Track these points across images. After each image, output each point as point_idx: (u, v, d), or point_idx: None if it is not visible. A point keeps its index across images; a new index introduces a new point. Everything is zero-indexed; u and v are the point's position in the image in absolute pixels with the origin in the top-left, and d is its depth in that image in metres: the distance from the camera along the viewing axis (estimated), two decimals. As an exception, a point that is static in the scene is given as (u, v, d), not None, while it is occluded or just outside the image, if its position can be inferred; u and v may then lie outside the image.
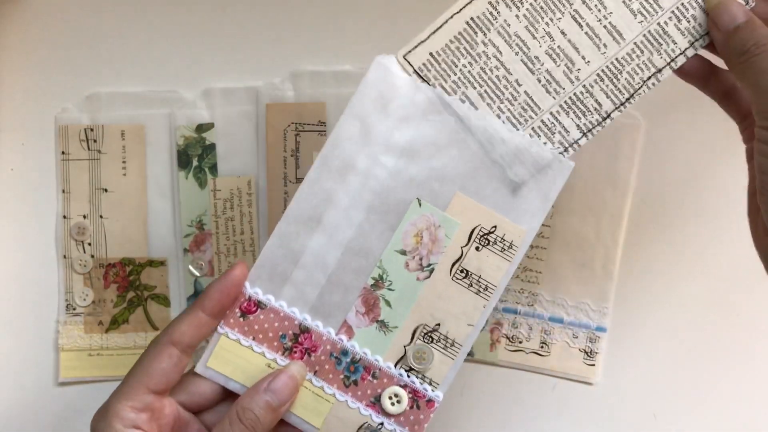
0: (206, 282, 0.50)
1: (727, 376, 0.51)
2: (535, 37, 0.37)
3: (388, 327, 0.38)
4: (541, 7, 0.37)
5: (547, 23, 0.37)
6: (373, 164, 0.37)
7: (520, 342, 0.51)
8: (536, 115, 0.37)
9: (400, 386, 0.37)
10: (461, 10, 0.37)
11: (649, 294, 0.50)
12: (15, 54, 0.51)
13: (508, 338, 0.51)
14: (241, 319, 0.38)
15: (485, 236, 0.37)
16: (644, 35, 0.37)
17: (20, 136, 0.51)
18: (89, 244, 0.51)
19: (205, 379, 0.38)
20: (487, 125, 0.37)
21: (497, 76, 0.37)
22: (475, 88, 0.37)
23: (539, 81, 0.37)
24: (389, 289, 0.38)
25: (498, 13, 0.37)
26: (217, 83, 0.50)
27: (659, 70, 0.37)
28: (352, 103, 0.37)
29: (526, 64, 0.37)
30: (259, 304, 0.38)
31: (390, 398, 0.37)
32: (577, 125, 0.37)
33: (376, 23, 0.50)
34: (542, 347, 0.51)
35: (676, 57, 0.37)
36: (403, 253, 0.37)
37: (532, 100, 0.37)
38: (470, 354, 0.50)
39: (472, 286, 0.37)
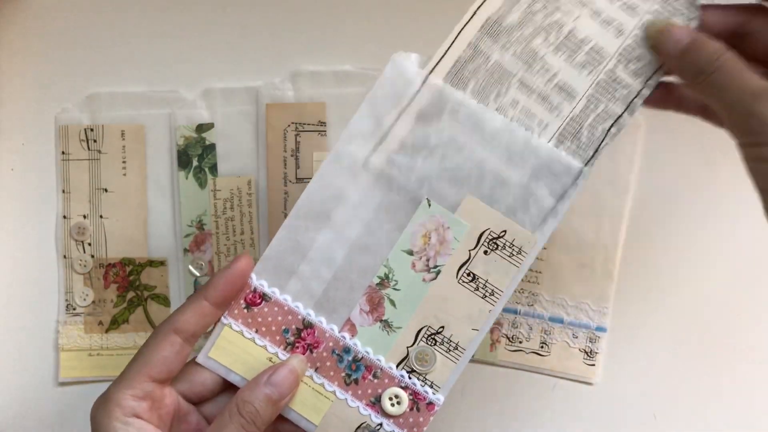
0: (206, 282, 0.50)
1: (727, 376, 0.50)
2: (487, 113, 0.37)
3: (391, 327, 0.37)
4: (489, 82, 0.37)
5: (496, 97, 0.37)
6: (385, 162, 0.37)
7: (520, 342, 0.51)
8: (509, 190, 0.37)
9: (401, 387, 0.37)
10: (407, 107, 0.37)
11: (649, 294, 0.50)
12: (15, 54, 0.51)
13: (508, 338, 0.51)
14: (246, 310, 0.38)
15: (494, 240, 0.37)
16: (595, 86, 0.37)
17: (20, 136, 0.51)
18: (89, 244, 0.51)
19: (207, 369, 0.38)
20: (501, 129, 0.37)
21: (457, 163, 0.37)
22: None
23: (502, 157, 0.37)
24: (395, 289, 0.37)
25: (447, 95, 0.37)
26: (217, 83, 0.50)
27: (619, 117, 0.37)
28: (366, 99, 0.37)
29: (486, 145, 0.37)
30: (263, 297, 0.38)
31: (390, 399, 0.37)
32: (551, 190, 0.37)
33: (376, 23, 0.50)
34: (542, 347, 0.51)
35: (633, 100, 0.37)
36: (411, 253, 0.37)
37: (501, 176, 0.37)
38: (470, 354, 0.50)
39: (478, 290, 0.37)
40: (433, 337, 0.37)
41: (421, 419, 0.37)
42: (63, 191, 0.51)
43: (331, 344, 0.37)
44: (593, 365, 0.50)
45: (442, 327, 0.37)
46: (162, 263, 0.51)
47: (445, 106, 0.37)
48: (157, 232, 0.51)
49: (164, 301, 0.51)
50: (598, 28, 0.37)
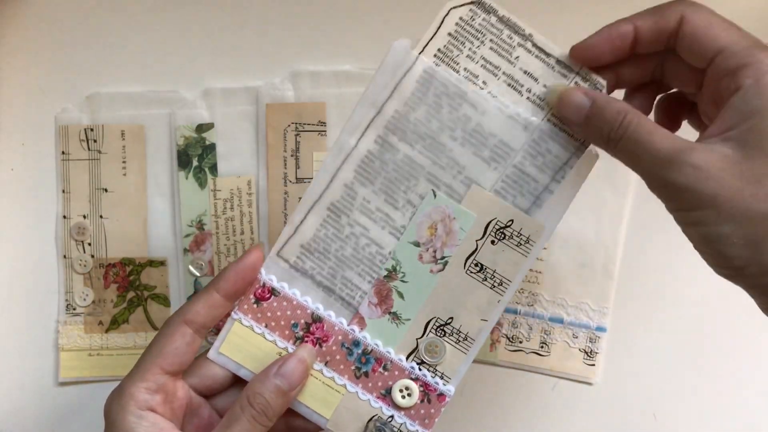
0: (206, 282, 0.50)
1: (727, 376, 0.50)
2: (397, 208, 0.37)
3: (400, 319, 0.38)
4: (396, 178, 0.37)
5: (404, 192, 0.37)
6: (390, 152, 0.37)
7: (520, 342, 0.51)
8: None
9: (411, 379, 0.37)
10: (320, 197, 0.37)
11: (649, 294, 0.50)
12: (15, 54, 0.51)
13: (508, 338, 0.51)
14: (255, 305, 0.38)
15: (501, 230, 0.37)
16: (503, 180, 0.37)
17: (20, 136, 0.51)
18: (89, 244, 0.51)
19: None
20: (505, 117, 0.36)
21: (370, 253, 0.37)
22: (352, 269, 0.38)
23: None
24: (402, 281, 0.37)
25: (355, 192, 0.37)
26: (217, 83, 0.50)
27: (526, 212, 0.37)
28: (367, 89, 0.37)
29: (394, 235, 0.37)
30: (272, 291, 0.38)
31: (401, 391, 0.37)
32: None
33: (376, 23, 0.50)
34: (542, 347, 0.51)
35: (540, 194, 0.37)
36: (417, 244, 0.37)
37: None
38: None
39: (486, 280, 0.37)
40: (442, 328, 0.37)
41: (432, 410, 0.37)
42: (63, 191, 0.51)
43: (340, 338, 0.38)
44: (593, 365, 0.50)
45: (451, 318, 0.37)
46: (162, 263, 0.51)
47: (449, 95, 0.36)
48: (157, 232, 0.51)
49: (164, 301, 0.51)
50: (505, 122, 0.36)
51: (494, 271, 0.37)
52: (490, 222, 0.37)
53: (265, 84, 0.50)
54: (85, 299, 0.51)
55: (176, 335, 0.36)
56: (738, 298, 0.32)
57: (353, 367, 0.38)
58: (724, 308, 0.50)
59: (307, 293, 0.38)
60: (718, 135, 0.31)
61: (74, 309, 0.51)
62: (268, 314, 0.38)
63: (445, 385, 0.38)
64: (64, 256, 0.51)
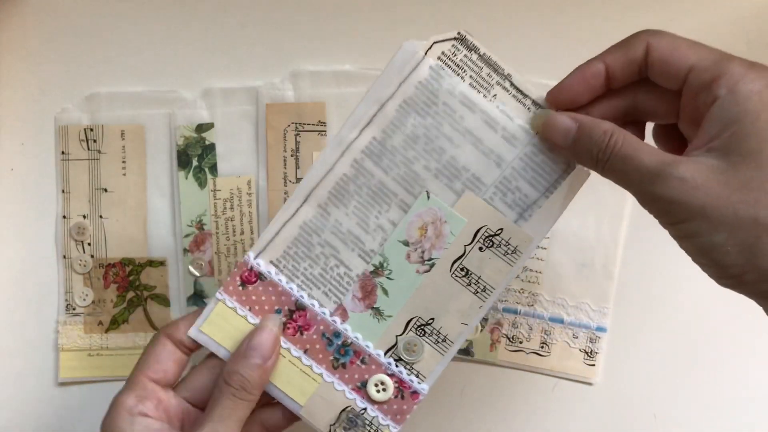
0: (206, 282, 0.51)
1: (728, 376, 0.50)
2: (368, 232, 0.38)
3: (382, 315, 0.38)
4: (368, 202, 0.38)
5: (377, 216, 0.38)
6: (387, 151, 0.37)
7: (521, 342, 0.51)
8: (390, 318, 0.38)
9: (388, 375, 0.38)
10: (293, 215, 0.38)
11: (649, 294, 0.50)
12: (15, 54, 0.51)
13: (508, 338, 0.51)
14: (240, 287, 0.38)
15: (490, 238, 0.37)
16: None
17: (20, 136, 0.51)
18: (89, 244, 0.51)
19: (206, 373, 0.39)
20: (507, 125, 0.37)
21: (338, 275, 0.38)
22: (318, 288, 0.38)
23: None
24: (388, 278, 0.38)
25: (328, 214, 0.38)
26: (217, 83, 0.50)
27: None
28: (373, 86, 0.37)
29: (363, 258, 0.38)
30: (259, 276, 0.38)
31: (376, 385, 0.38)
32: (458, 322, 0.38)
33: (376, 23, 0.50)
34: (542, 347, 0.51)
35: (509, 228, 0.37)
36: (406, 244, 0.38)
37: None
38: (470, 354, 0.50)
39: (470, 285, 0.38)
40: (422, 327, 0.38)
41: (405, 407, 0.38)
42: (63, 191, 0.51)
43: (321, 328, 0.38)
44: (593, 365, 0.50)
45: (432, 319, 0.38)
46: (162, 263, 0.51)
47: (453, 99, 0.37)
48: (157, 232, 0.51)
49: (164, 301, 0.51)
50: (478, 157, 0.37)
51: (479, 278, 0.38)
52: (480, 229, 0.37)
53: (265, 84, 0.50)
54: (84, 299, 0.51)
55: (158, 346, 0.38)
56: (738, 298, 0.32)
57: (331, 358, 0.38)
58: (724, 308, 0.50)
59: (293, 280, 0.38)
60: (701, 147, 0.31)
61: (74, 309, 0.51)
62: (253, 297, 0.38)
63: (419, 383, 0.38)
64: (64, 256, 0.51)
